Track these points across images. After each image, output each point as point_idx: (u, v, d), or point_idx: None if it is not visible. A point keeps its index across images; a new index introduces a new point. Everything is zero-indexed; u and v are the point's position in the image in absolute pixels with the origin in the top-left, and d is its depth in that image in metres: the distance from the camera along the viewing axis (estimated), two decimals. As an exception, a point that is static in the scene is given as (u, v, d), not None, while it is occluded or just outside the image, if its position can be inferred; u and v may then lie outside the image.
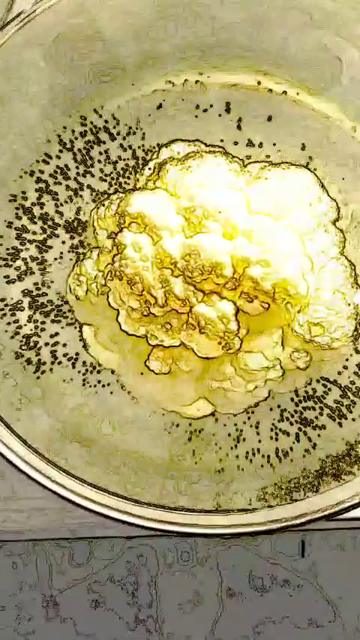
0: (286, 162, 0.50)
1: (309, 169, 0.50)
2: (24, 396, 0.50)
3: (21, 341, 0.53)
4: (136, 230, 0.48)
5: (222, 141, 0.52)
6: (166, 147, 0.52)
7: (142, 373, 0.51)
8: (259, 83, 0.53)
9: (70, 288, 0.52)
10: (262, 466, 0.51)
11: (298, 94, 0.53)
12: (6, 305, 0.53)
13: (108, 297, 0.50)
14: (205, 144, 0.51)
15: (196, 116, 0.53)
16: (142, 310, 0.49)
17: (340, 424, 0.52)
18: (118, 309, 0.51)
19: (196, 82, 0.53)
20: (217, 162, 0.50)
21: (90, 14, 0.48)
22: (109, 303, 0.50)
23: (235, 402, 0.50)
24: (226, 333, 0.49)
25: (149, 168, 0.51)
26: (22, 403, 0.50)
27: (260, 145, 0.52)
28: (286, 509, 0.47)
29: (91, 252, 0.52)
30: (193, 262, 0.48)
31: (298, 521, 0.46)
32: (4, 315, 0.52)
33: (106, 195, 0.52)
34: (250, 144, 0.52)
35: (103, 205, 0.51)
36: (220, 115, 0.53)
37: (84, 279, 0.51)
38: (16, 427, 0.48)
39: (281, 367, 0.50)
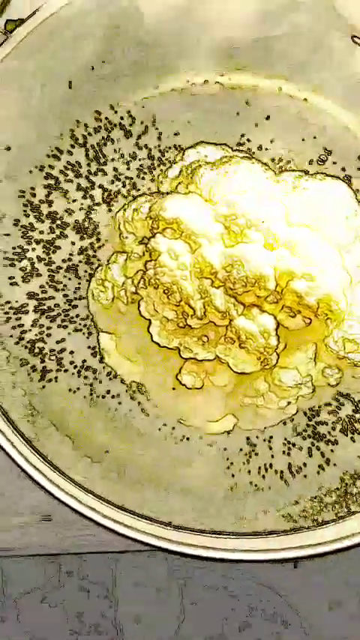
0: (322, 173, 0.49)
1: (344, 181, 0.49)
2: (34, 407, 0.47)
3: (26, 346, 0.49)
4: (172, 236, 0.46)
5: (241, 144, 0.51)
6: (192, 148, 0.49)
7: (174, 388, 0.48)
8: (280, 89, 0.52)
9: (93, 294, 0.49)
10: (279, 482, 0.49)
11: (319, 102, 0.52)
12: (11, 308, 0.49)
13: (139, 305, 0.47)
14: (232, 148, 0.49)
15: (215, 117, 0.51)
16: (178, 322, 0.46)
17: (352, 439, 0.51)
18: (150, 319, 0.48)
19: (216, 82, 0.51)
20: (254, 168, 0.48)
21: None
22: (140, 312, 0.47)
23: (265, 418, 0.49)
24: (266, 349, 0.47)
25: (176, 171, 0.49)
26: (33, 416, 0.47)
27: (281, 151, 0.51)
28: (330, 530, 0.45)
29: (117, 256, 0.49)
30: (236, 273, 0.46)
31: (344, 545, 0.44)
32: (9, 318, 0.49)
33: (131, 197, 0.49)
34: (270, 149, 0.51)
35: (131, 208, 0.48)
36: (238, 117, 0.51)
37: (109, 285, 0.48)
38: (38, 445, 0.44)
39: (312, 384, 0.49)
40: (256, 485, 0.49)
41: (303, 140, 0.49)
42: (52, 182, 0.50)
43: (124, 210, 0.49)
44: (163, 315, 0.47)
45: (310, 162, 0.49)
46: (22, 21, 0.45)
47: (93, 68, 0.48)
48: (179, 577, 0.64)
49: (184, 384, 0.48)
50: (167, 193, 0.49)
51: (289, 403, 0.49)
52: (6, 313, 0.49)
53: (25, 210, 0.49)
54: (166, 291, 0.46)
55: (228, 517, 0.47)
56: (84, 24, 0.46)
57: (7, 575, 0.65)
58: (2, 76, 0.44)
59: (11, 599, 0.67)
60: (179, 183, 0.49)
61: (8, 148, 0.45)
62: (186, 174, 0.49)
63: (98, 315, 0.49)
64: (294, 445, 0.50)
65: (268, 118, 0.51)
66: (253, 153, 0.49)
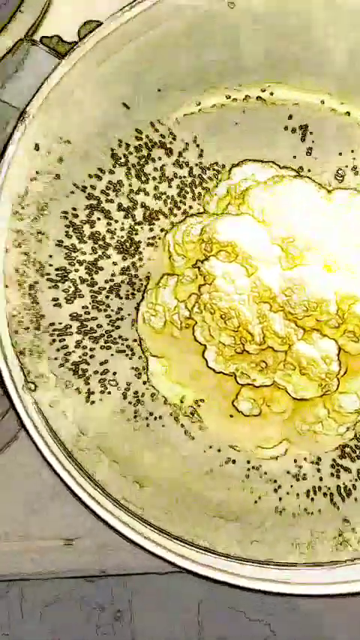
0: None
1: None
2: (82, 432, 0.46)
3: (70, 369, 0.49)
4: (227, 259, 0.45)
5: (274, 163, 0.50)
6: (238, 167, 0.49)
7: (231, 415, 0.47)
8: (322, 102, 0.51)
9: (144, 318, 0.48)
10: (329, 505, 0.48)
11: (361, 115, 0.50)
12: (55, 330, 0.49)
13: (194, 330, 0.46)
14: (279, 165, 0.48)
15: (256, 133, 0.51)
16: (235, 347, 0.45)
17: None
18: (205, 345, 0.47)
19: (258, 98, 0.51)
20: (307, 188, 0.47)
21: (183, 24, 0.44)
22: (194, 337, 0.47)
23: (323, 445, 0.47)
24: (328, 375, 0.45)
25: (223, 190, 0.48)
26: (80, 440, 0.46)
27: (329, 167, 0.50)
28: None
29: (167, 279, 0.48)
30: (296, 298, 0.45)
31: None
32: (54, 340, 0.48)
33: (176, 216, 0.48)
34: (315, 165, 0.50)
35: (181, 230, 0.48)
36: (281, 133, 0.51)
37: (161, 309, 0.47)
38: (96, 476, 0.43)
39: None
40: (305, 509, 0.48)
41: (352, 151, 0.48)
42: (94, 202, 0.50)
43: (174, 232, 0.48)
44: (219, 340, 0.46)
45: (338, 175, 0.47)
46: (74, 44, 0.45)
47: (139, 89, 0.47)
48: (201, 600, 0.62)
49: (240, 411, 0.47)
50: (217, 214, 0.48)
51: (347, 429, 0.47)
52: (50, 335, 0.48)
53: (67, 232, 0.49)
54: (223, 317, 0.45)
55: (281, 544, 0.45)
56: (131, 47, 0.45)
57: (27, 595, 0.64)
58: (57, 98, 0.43)
59: (33, 618, 0.66)
60: (229, 203, 0.48)
61: (60, 160, 0.45)
62: (234, 194, 0.48)
63: (149, 339, 0.48)
64: (343, 467, 0.49)
65: (311, 133, 0.50)
66: (301, 169, 0.48)
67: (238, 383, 0.47)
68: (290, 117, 0.50)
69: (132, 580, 0.64)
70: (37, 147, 0.45)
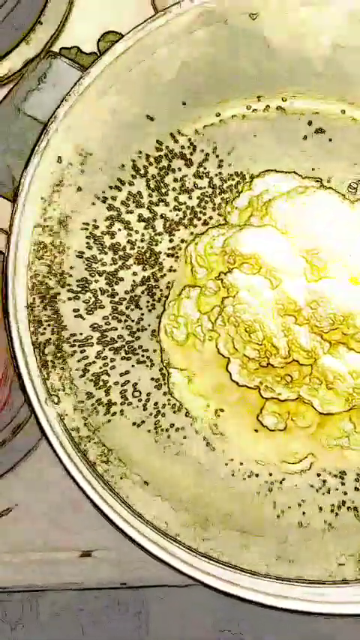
0: None
1: None
2: (102, 443, 0.46)
3: (90, 379, 0.49)
4: (250, 272, 0.45)
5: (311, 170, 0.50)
6: (260, 177, 0.48)
7: (256, 430, 0.47)
8: (343, 112, 0.50)
9: (166, 330, 0.48)
10: (354, 520, 0.47)
11: (384, 123, 0.50)
12: (75, 340, 0.49)
13: (217, 343, 0.46)
14: (301, 176, 0.48)
15: (276, 143, 0.50)
16: (260, 360, 0.45)
17: None
18: (229, 357, 0.47)
19: (278, 108, 0.51)
20: (331, 199, 0.47)
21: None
22: (218, 350, 0.46)
23: (349, 460, 0.46)
24: (355, 389, 0.45)
25: (244, 201, 0.48)
26: (99, 448, 0.46)
27: (352, 176, 0.49)
28: None
29: (189, 291, 0.48)
30: (322, 311, 0.44)
31: None
32: (75, 352, 0.48)
33: (205, 230, 0.48)
34: (336, 174, 0.50)
35: (203, 241, 0.47)
36: (301, 143, 0.50)
37: (183, 321, 0.47)
38: (110, 481, 0.43)
39: None
40: (329, 524, 0.47)
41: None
42: (115, 213, 0.50)
43: (196, 243, 0.48)
44: (243, 353, 0.45)
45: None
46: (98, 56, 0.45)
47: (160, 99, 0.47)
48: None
49: (265, 426, 0.47)
50: (240, 226, 0.48)
51: (375, 444, 0.46)
52: (72, 346, 0.48)
53: (88, 243, 0.49)
54: (247, 329, 0.45)
55: (306, 560, 0.45)
56: (155, 59, 0.45)
57: (40, 608, 0.64)
58: (80, 110, 0.43)
59: (45, 630, 0.66)
60: (251, 215, 0.47)
61: (82, 171, 0.45)
62: (257, 205, 0.47)
63: (171, 351, 0.48)
64: (367, 480, 0.48)
65: (330, 140, 0.50)
66: (321, 180, 0.48)
67: (262, 397, 0.47)
68: (310, 126, 0.50)
69: (150, 592, 0.63)
70: (59, 159, 0.45)
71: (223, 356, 0.47)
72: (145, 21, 0.43)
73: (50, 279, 0.47)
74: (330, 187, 0.48)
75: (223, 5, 0.43)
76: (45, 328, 0.46)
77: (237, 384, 0.47)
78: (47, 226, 0.46)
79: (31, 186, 0.44)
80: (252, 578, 0.42)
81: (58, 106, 0.42)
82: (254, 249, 0.46)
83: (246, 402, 0.47)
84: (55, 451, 0.42)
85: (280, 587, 0.42)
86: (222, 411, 0.48)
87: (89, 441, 0.46)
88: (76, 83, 0.41)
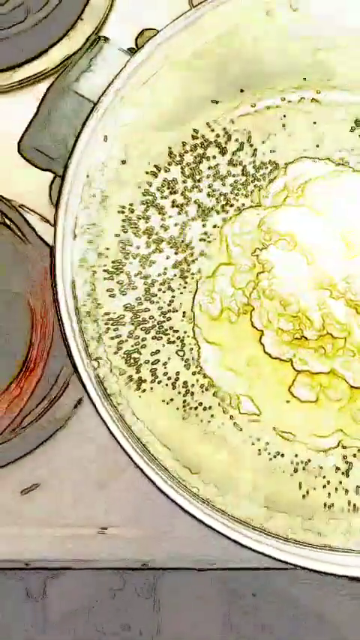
0: None
1: None
2: (135, 415, 0.47)
3: (123, 357, 0.50)
4: (286, 248, 0.46)
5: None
6: (293, 164, 0.50)
7: (288, 401, 0.48)
8: (375, 105, 0.52)
9: (201, 306, 0.49)
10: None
11: None
12: (110, 319, 0.50)
13: (252, 316, 0.47)
14: (335, 162, 0.49)
15: (310, 133, 0.52)
16: (294, 333, 0.46)
17: None
18: (263, 330, 0.48)
19: (312, 100, 0.52)
20: (364, 182, 0.48)
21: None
22: (252, 322, 0.48)
23: None
24: None
25: (280, 185, 0.49)
26: (135, 424, 0.47)
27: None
28: None
29: (223, 269, 0.50)
30: (357, 285, 0.45)
31: None
32: (108, 329, 0.50)
33: (238, 211, 0.50)
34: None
35: (238, 221, 0.49)
36: (336, 133, 0.52)
37: (217, 297, 0.48)
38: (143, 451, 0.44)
39: None
40: (354, 505, 0.47)
41: None
42: (150, 198, 0.51)
43: (232, 223, 0.50)
44: (278, 326, 0.47)
45: None
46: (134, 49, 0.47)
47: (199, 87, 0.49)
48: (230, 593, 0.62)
49: (297, 397, 0.48)
50: (276, 206, 0.49)
51: None
52: (106, 324, 0.50)
53: (123, 226, 0.51)
54: (282, 303, 0.46)
55: (332, 534, 0.45)
56: (198, 45, 0.47)
57: (53, 588, 0.65)
58: (129, 92, 0.45)
59: (58, 611, 0.67)
60: (287, 196, 0.49)
61: (124, 162, 0.47)
62: (292, 187, 0.49)
63: (205, 326, 0.49)
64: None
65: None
66: (354, 168, 0.49)
67: (294, 369, 0.48)
68: (345, 118, 0.51)
69: (168, 574, 0.64)
70: (105, 138, 0.47)
71: (256, 329, 0.49)
72: (197, 4, 0.45)
73: (90, 255, 0.48)
74: (362, 171, 0.49)
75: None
76: (85, 303, 0.48)
77: (270, 356, 0.48)
78: (89, 203, 0.47)
79: (79, 165, 0.45)
80: (281, 542, 0.43)
81: (108, 86, 0.43)
82: (290, 227, 0.47)
83: (278, 374, 0.48)
84: (97, 409, 0.43)
85: (309, 551, 0.43)
86: (253, 386, 0.49)
87: (123, 410, 0.47)
88: (125, 64, 0.43)
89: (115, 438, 0.42)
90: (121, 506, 0.58)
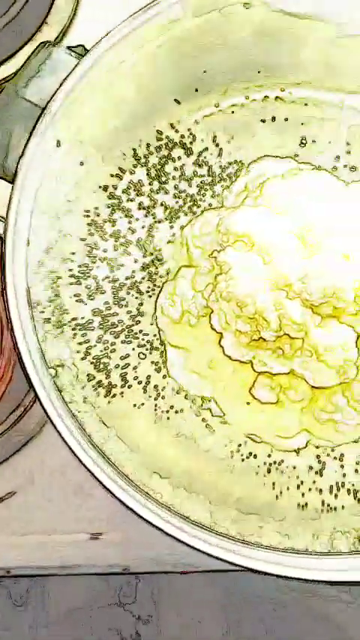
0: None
1: None
2: (103, 422, 0.47)
3: (92, 362, 0.50)
4: (242, 249, 0.46)
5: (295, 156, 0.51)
6: (256, 162, 0.49)
7: (248, 403, 0.48)
8: (342, 101, 0.51)
9: (162, 309, 0.49)
10: (353, 501, 0.47)
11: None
12: (77, 325, 0.50)
13: (210, 319, 0.47)
14: (297, 161, 0.49)
15: (275, 131, 0.51)
16: (252, 334, 0.46)
17: None
18: (221, 332, 0.48)
19: (276, 98, 0.52)
20: (325, 179, 0.48)
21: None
22: (211, 325, 0.47)
23: (343, 434, 0.47)
24: (346, 362, 0.46)
25: (241, 185, 0.49)
26: (101, 430, 0.47)
27: (345, 164, 0.50)
28: None
29: (184, 271, 0.50)
30: (313, 285, 0.45)
31: None
32: (76, 335, 0.49)
33: (195, 214, 0.49)
34: (335, 160, 0.50)
35: (198, 222, 0.49)
36: (300, 131, 0.51)
37: (178, 300, 0.48)
38: (110, 456, 0.44)
39: None
40: (328, 505, 0.47)
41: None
42: (116, 201, 0.51)
43: (192, 225, 0.49)
44: (236, 327, 0.46)
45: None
46: (85, 50, 0.47)
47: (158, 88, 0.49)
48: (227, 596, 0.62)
49: (257, 399, 0.47)
50: (234, 207, 0.49)
51: (370, 419, 0.47)
52: (73, 330, 0.49)
53: (89, 230, 0.51)
54: (239, 304, 0.46)
55: (304, 537, 0.45)
56: (150, 47, 0.47)
57: (51, 592, 0.65)
58: (78, 96, 0.45)
59: (55, 616, 0.67)
60: (246, 196, 0.49)
61: (82, 163, 0.47)
62: (252, 187, 0.49)
63: (167, 329, 0.49)
64: (366, 463, 0.48)
65: (327, 130, 0.51)
66: (318, 165, 0.49)
67: (255, 371, 0.48)
68: (309, 116, 0.51)
69: (158, 578, 0.64)
70: (58, 143, 0.46)
71: (216, 331, 0.48)
72: (140, 9, 0.44)
73: (50, 262, 0.48)
74: (325, 169, 0.49)
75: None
76: (45, 308, 0.48)
77: (230, 358, 0.48)
78: (46, 210, 0.47)
79: (29, 171, 0.45)
80: (243, 546, 0.43)
81: (56, 91, 0.43)
82: (247, 228, 0.47)
83: (239, 376, 0.48)
84: (57, 430, 0.43)
85: (269, 554, 0.43)
86: (216, 388, 0.48)
87: (90, 420, 0.47)
88: (72, 69, 0.43)
89: (73, 452, 0.42)
90: (100, 512, 0.58)
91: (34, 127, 0.44)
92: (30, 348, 0.45)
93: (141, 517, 0.42)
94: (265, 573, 0.41)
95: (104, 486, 0.42)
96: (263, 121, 0.51)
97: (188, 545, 0.42)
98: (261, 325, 0.46)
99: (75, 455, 0.43)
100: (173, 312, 0.49)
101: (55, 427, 0.43)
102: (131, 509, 0.42)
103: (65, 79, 0.43)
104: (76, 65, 0.43)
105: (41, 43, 0.46)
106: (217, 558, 0.41)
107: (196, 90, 0.49)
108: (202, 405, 0.50)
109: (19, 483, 0.57)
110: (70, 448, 0.43)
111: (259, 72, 0.50)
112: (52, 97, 0.43)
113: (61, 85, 0.43)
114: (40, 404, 0.43)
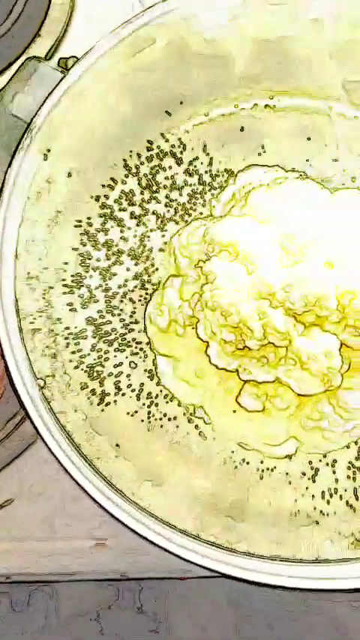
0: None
1: None
2: (95, 431, 0.48)
3: (85, 370, 0.50)
4: (227, 259, 0.46)
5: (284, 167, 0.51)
6: (243, 172, 0.50)
7: (234, 411, 0.48)
8: (330, 108, 0.52)
9: (151, 318, 0.49)
10: (345, 508, 0.47)
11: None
12: (70, 334, 0.51)
13: (196, 328, 0.48)
14: (285, 169, 0.50)
15: (265, 140, 0.52)
16: (236, 343, 0.46)
17: None
18: (207, 342, 0.48)
19: (266, 106, 0.52)
20: (309, 188, 0.48)
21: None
22: (197, 334, 0.48)
23: (330, 441, 0.47)
24: (330, 369, 0.46)
25: (229, 194, 0.49)
26: (94, 438, 0.47)
27: (335, 171, 0.50)
28: None
29: (172, 280, 0.50)
30: (296, 294, 0.46)
31: None
32: (69, 344, 0.50)
33: (187, 222, 0.50)
34: (324, 168, 0.51)
35: (185, 232, 0.49)
36: (289, 139, 0.52)
37: (166, 309, 0.49)
38: (101, 468, 0.44)
39: None
40: (320, 511, 0.47)
41: None
42: (108, 211, 0.52)
43: (179, 234, 0.50)
44: (221, 337, 0.47)
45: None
46: (76, 59, 0.48)
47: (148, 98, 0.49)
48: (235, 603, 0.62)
49: (244, 407, 0.48)
50: (221, 217, 0.49)
51: (355, 426, 0.47)
52: (66, 339, 0.50)
53: (82, 240, 0.51)
54: (223, 313, 0.46)
55: (295, 543, 0.45)
56: (136, 60, 0.47)
57: (60, 598, 0.65)
58: (66, 110, 0.46)
59: (64, 623, 0.67)
60: (233, 206, 0.49)
61: (69, 175, 0.47)
62: (239, 196, 0.49)
63: (156, 338, 0.50)
64: (359, 469, 0.48)
65: (318, 137, 0.51)
66: (305, 173, 0.49)
67: (240, 379, 0.48)
68: (299, 123, 0.51)
69: (164, 583, 0.64)
70: (45, 157, 0.47)
71: (202, 340, 0.49)
72: (125, 21, 0.45)
73: (42, 272, 0.49)
74: (309, 178, 0.49)
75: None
76: (35, 319, 0.48)
77: (216, 367, 0.48)
78: (37, 222, 0.48)
79: (17, 183, 0.46)
80: (233, 555, 0.43)
81: (41, 105, 0.44)
82: (232, 238, 0.47)
83: (225, 385, 0.48)
84: (45, 443, 0.44)
85: (259, 564, 0.43)
86: (205, 397, 0.49)
87: (80, 429, 0.47)
88: (58, 84, 0.44)
89: (59, 461, 0.42)
90: (101, 518, 0.58)
91: (19, 141, 0.44)
92: (17, 360, 0.45)
93: (129, 528, 0.42)
94: (256, 583, 0.41)
95: (92, 497, 0.43)
96: (253, 129, 0.52)
97: (177, 555, 0.42)
98: (245, 334, 0.47)
99: (63, 467, 0.44)
100: (161, 321, 0.50)
101: (44, 440, 0.44)
102: (119, 520, 0.42)
103: (50, 93, 0.43)
104: (61, 79, 0.44)
105: (27, 58, 0.46)
106: (206, 569, 0.42)
107: (181, 102, 0.50)
108: (194, 413, 0.50)
109: (18, 490, 0.58)
110: (59, 461, 0.44)
111: (245, 82, 0.50)
112: (36, 112, 0.44)
113: (45, 99, 0.43)
114: (28, 417, 0.44)
